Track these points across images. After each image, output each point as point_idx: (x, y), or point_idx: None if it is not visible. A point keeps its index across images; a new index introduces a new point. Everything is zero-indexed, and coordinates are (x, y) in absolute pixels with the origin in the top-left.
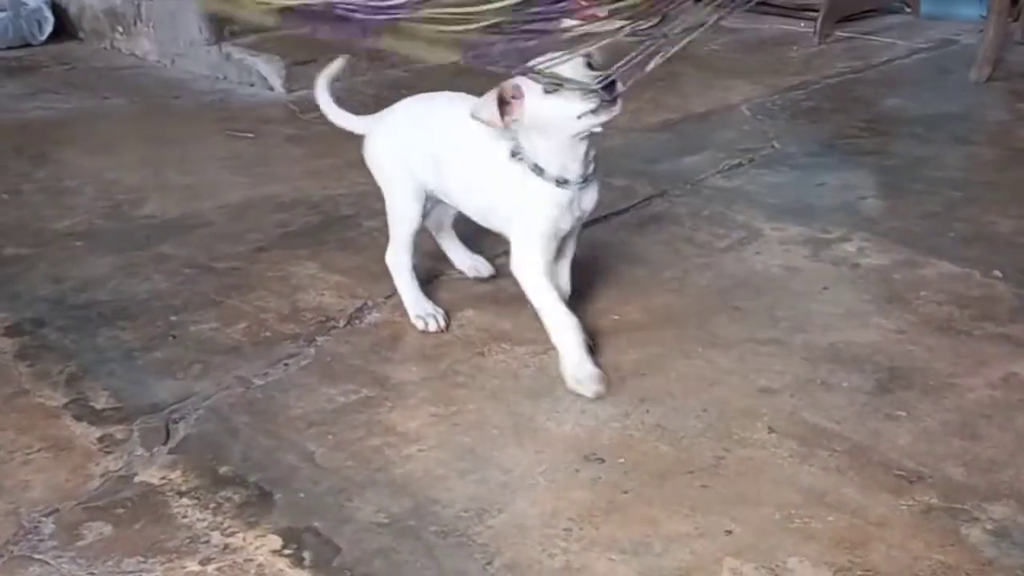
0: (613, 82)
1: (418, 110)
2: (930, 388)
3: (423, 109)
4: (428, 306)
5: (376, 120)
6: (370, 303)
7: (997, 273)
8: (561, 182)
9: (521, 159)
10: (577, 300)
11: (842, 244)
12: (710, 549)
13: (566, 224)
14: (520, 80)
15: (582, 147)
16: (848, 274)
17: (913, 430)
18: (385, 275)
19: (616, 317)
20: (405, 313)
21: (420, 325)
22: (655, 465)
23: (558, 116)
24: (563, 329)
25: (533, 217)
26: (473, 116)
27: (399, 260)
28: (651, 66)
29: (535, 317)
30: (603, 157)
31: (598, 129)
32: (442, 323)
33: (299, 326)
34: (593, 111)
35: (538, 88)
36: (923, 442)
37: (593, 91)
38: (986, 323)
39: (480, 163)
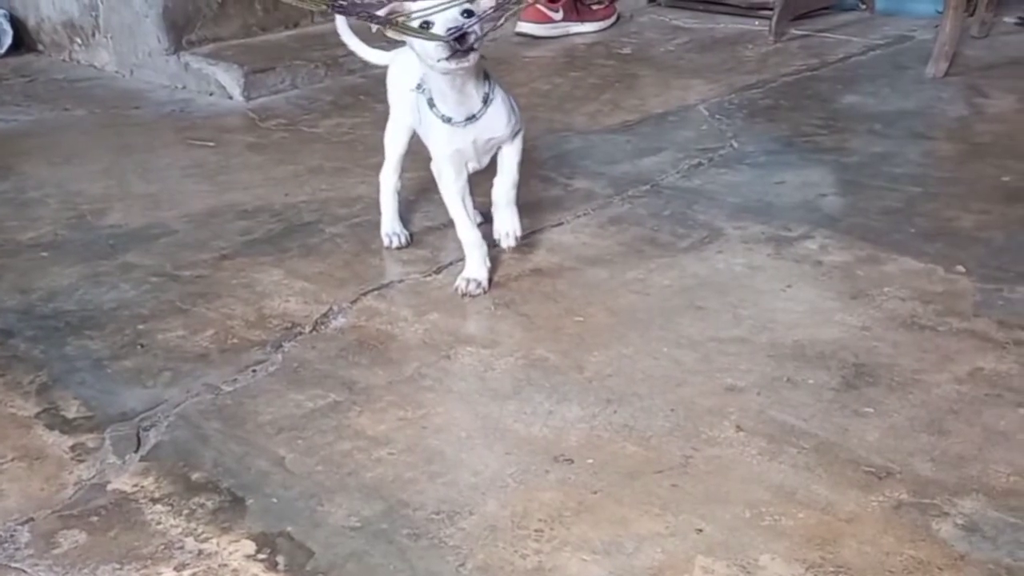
0: (466, 34)
1: None
2: (896, 384)
3: None
4: (398, 227)
5: (396, 53)
6: (335, 308)
7: (960, 268)
8: (446, 119)
9: (423, 91)
10: (541, 301)
11: (804, 242)
12: (682, 548)
13: (468, 149)
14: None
15: (456, 87)
16: (811, 271)
17: (880, 426)
18: (349, 281)
19: (580, 319)
20: (370, 318)
21: (386, 242)
22: (624, 465)
23: (422, 54)
24: (466, 240)
25: (435, 144)
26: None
27: (386, 178)
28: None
29: (500, 319)
30: (563, 159)
31: (460, 72)
32: (404, 242)
33: (265, 333)
34: (446, 58)
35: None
36: (891, 438)
37: (445, 41)
38: (950, 318)
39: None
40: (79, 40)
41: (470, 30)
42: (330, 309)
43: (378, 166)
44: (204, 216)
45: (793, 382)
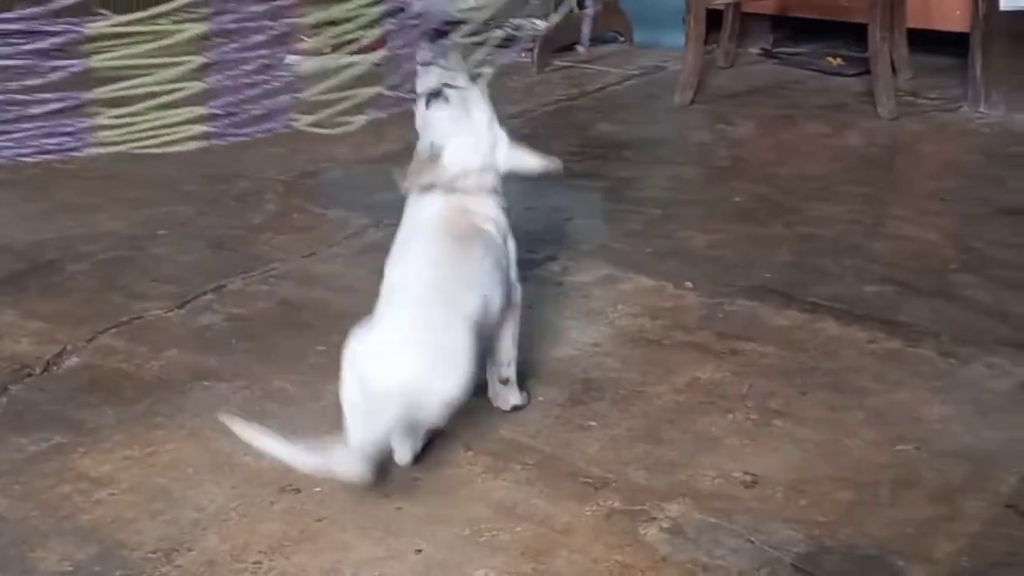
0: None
1: None
2: (620, 397)
3: None
4: None
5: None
6: (69, 348)
7: (688, 284)
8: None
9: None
10: (286, 333)
11: (547, 264)
12: (399, 570)
13: None
14: None
15: None
16: (552, 292)
17: (602, 438)
18: (88, 319)
19: (323, 348)
20: (106, 356)
21: None
22: (351, 491)
23: None
24: None
25: None
26: None
27: None
28: None
29: (242, 352)
30: (321, 190)
31: None
32: None
33: None
34: None
35: None
36: (610, 449)
37: None
38: (676, 332)
39: None
40: None
41: None
42: (64, 349)
43: (133, 201)
44: None
45: None
